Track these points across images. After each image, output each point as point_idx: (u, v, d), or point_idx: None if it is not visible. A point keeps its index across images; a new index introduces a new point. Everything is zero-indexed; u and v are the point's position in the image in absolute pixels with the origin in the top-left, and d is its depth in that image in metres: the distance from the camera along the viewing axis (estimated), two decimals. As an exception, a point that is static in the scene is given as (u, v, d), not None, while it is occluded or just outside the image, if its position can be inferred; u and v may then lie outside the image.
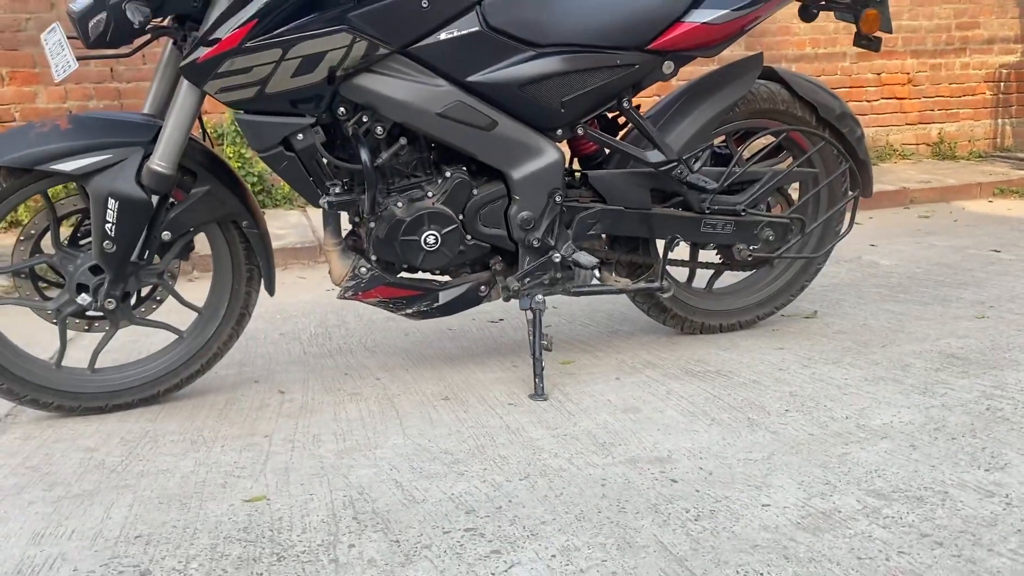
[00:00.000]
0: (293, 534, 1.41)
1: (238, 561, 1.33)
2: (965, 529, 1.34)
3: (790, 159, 2.40)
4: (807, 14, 2.31)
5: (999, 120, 6.92)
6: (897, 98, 6.58)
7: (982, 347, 2.26)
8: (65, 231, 1.97)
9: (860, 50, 6.35)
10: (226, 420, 1.97)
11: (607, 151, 2.21)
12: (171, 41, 1.93)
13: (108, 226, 1.83)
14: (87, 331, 2.03)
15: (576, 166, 2.29)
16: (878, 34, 2.29)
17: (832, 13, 2.30)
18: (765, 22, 5.85)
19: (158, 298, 2.08)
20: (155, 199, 1.86)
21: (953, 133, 6.76)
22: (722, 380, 2.09)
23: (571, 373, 2.21)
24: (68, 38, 1.84)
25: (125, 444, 1.84)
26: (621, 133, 2.27)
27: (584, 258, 2.09)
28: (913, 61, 6.54)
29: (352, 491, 1.55)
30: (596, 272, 2.21)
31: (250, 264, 2.08)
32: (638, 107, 2.17)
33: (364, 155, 1.89)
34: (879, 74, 6.49)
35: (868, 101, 6.50)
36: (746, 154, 2.28)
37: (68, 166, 1.80)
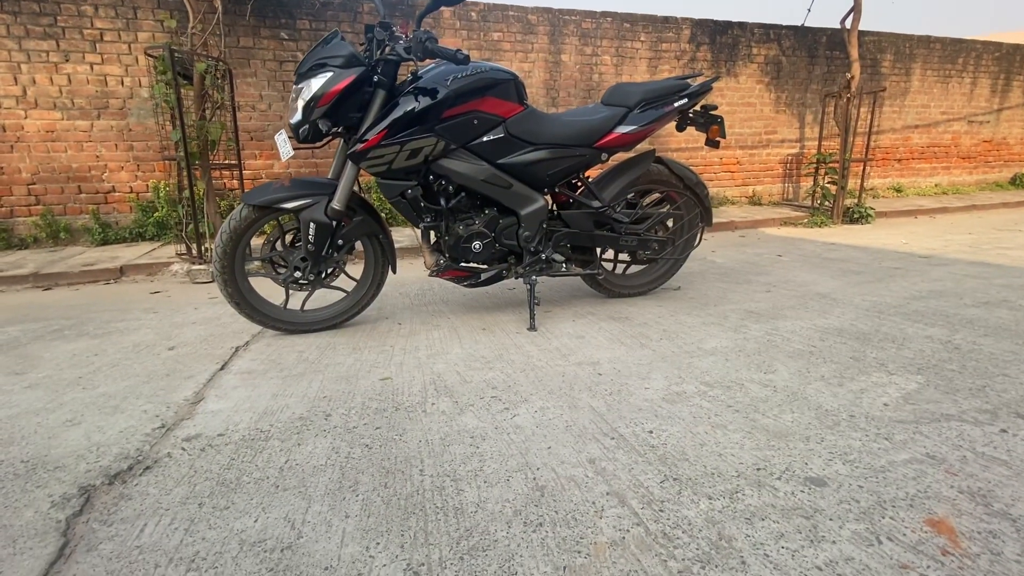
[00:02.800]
0: (403, 397, 1.45)
1: (375, 410, 1.37)
2: (751, 404, 1.36)
3: (668, 206, 2.39)
4: (680, 127, 2.28)
5: (786, 183, 6.77)
6: (730, 172, 6.45)
7: (767, 308, 2.26)
8: (286, 238, 2.00)
9: (709, 147, 6.22)
10: (370, 337, 2.01)
11: (571, 200, 2.20)
12: (342, 140, 1.94)
13: (311, 236, 1.86)
14: (299, 290, 2.06)
15: (555, 207, 2.28)
16: (718, 139, 2.26)
17: (693, 127, 2.26)
18: (659, 131, 5.67)
19: (336, 274, 2.11)
20: (334, 223, 1.89)
21: (761, 191, 6.62)
22: (628, 322, 2.10)
23: (548, 316, 2.22)
24: (288, 137, 1.85)
25: (319, 349, 1.89)
26: (578, 191, 2.25)
27: (558, 258, 2.10)
28: (740, 151, 6.40)
29: (434, 376, 1.59)
30: (564, 265, 2.22)
31: (384, 258, 2.10)
32: (588, 177, 2.16)
33: (442, 202, 1.91)
34: (720, 158, 6.36)
35: (714, 173, 6.37)
36: (645, 203, 2.27)
37: (289, 205, 1.83)
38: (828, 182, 5.47)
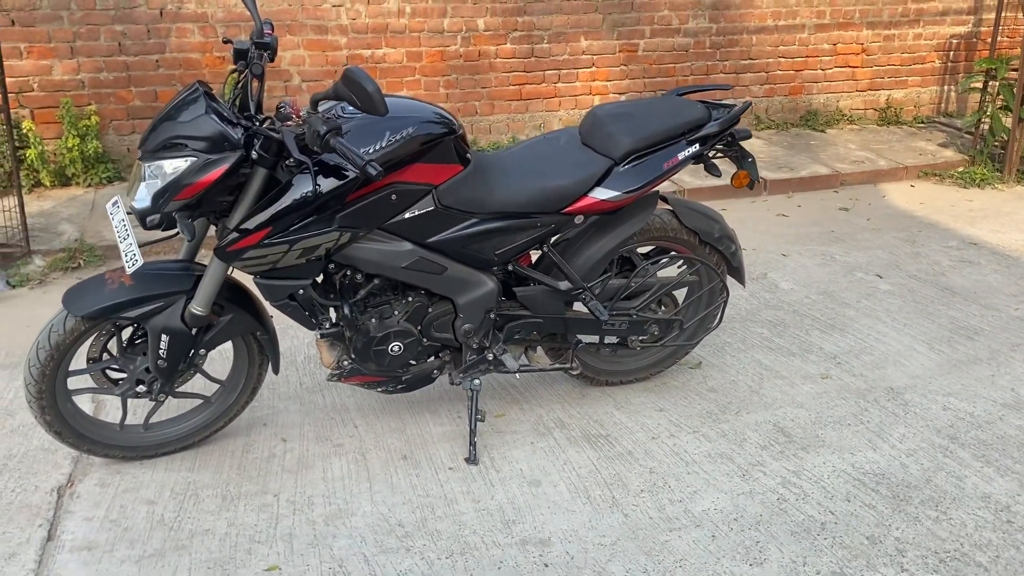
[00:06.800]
0: (297, 602, 2.21)
1: (263, 625, 2.13)
2: (716, 618, 2.16)
3: (677, 266, 3.09)
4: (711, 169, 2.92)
5: (945, 86, 7.45)
6: (850, 66, 7.08)
7: (807, 421, 3.03)
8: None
9: (818, 21, 6.79)
10: (244, 473, 2.73)
11: (530, 277, 2.85)
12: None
13: (161, 351, 2.53)
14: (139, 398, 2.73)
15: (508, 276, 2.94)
16: (749, 185, 2.93)
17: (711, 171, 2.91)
18: None
19: (191, 375, 2.78)
20: (194, 331, 2.56)
21: (900, 99, 7.30)
22: (605, 448, 2.85)
23: (500, 431, 2.97)
24: (128, 214, 2.44)
25: (175, 497, 2.62)
26: (540, 263, 2.91)
27: (509, 362, 2.81)
28: (868, 32, 7.00)
29: (335, 564, 2.35)
30: (523, 358, 2.95)
31: (262, 356, 2.79)
32: (555, 240, 2.83)
33: (346, 309, 2.58)
34: (835, 44, 6.97)
35: (822, 70, 7.01)
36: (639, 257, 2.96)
37: (132, 313, 2.48)
38: (1001, 106, 6.18)
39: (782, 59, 6.79)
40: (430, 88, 6.01)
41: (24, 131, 5.15)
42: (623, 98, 6.51)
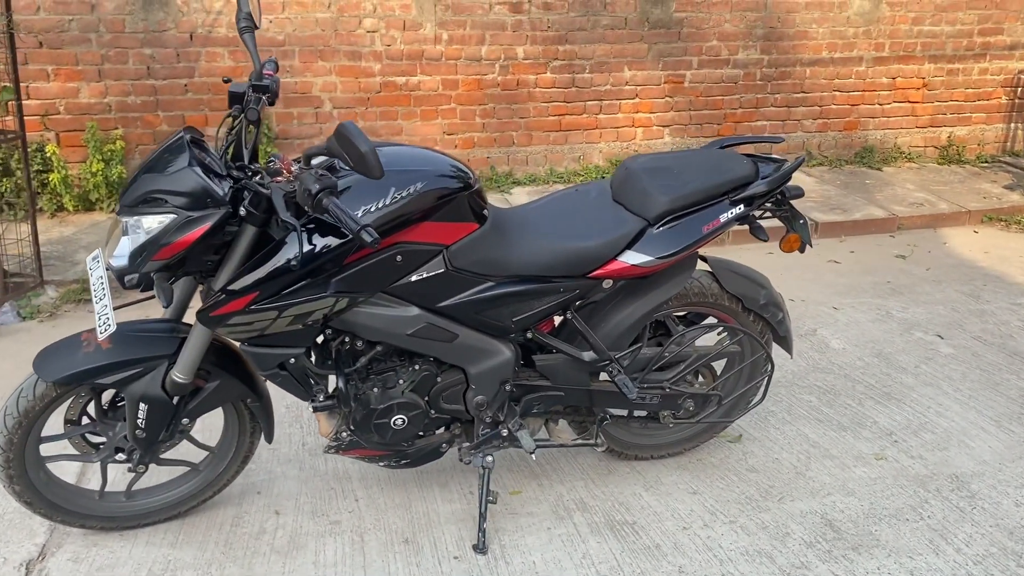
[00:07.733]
0: None
1: None
2: None
3: (719, 334, 2.77)
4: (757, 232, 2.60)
5: (1012, 124, 7.02)
6: (910, 101, 6.70)
7: (859, 512, 2.68)
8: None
9: (877, 54, 6.41)
10: (229, 550, 2.47)
11: (551, 345, 2.56)
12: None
13: (140, 420, 2.28)
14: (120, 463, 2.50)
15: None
16: (800, 249, 2.60)
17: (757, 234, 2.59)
18: (784, 25, 6.08)
19: (176, 442, 2.52)
20: (175, 400, 2.31)
21: (963, 137, 6.89)
22: (631, 538, 2.54)
23: (514, 511, 2.67)
24: (107, 269, 2.20)
25: (151, 578, 2.37)
26: (561, 329, 2.61)
27: (526, 440, 2.51)
28: (930, 66, 6.62)
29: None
30: (541, 431, 2.66)
31: (254, 423, 2.53)
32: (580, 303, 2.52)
33: (341, 382, 2.31)
34: (894, 79, 6.59)
35: (880, 104, 6.63)
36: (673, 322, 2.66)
37: (108, 380, 2.23)
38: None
39: (837, 92, 6.44)
40: (466, 117, 5.77)
41: (48, 155, 5.01)
42: (666, 131, 6.21)
